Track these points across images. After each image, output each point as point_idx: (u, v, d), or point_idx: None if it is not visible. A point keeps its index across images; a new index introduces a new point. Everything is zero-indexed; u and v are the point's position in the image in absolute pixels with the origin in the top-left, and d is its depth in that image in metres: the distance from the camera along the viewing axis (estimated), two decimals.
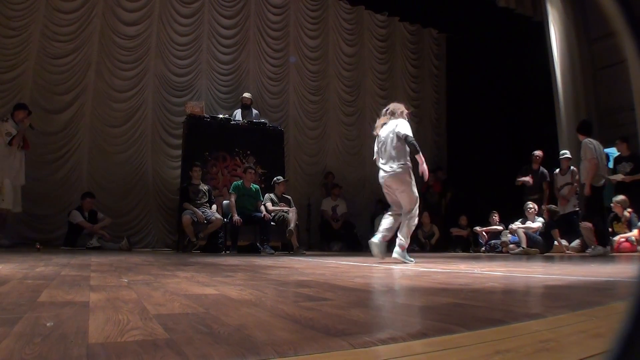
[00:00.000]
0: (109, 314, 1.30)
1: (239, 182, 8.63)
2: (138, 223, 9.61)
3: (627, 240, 8.23)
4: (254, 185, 8.67)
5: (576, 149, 9.26)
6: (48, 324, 1.13)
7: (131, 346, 0.93)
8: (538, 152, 9.64)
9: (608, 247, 7.70)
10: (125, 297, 1.72)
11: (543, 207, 9.03)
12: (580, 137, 7.87)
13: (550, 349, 0.95)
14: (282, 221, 8.45)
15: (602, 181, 7.66)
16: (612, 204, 8.43)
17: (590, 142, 7.63)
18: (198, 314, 1.37)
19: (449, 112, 13.65)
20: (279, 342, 0.99)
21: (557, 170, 9.16)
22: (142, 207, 9.69)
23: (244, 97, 10.10)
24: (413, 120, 13.02)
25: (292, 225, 8.35)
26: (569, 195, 8.90)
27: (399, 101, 5.55)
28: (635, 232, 8.15)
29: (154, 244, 9.59)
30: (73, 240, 8.05)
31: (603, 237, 7.69)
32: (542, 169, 9.51)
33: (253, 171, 8.74)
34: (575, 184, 8.93)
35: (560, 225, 8.82)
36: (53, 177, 8.96)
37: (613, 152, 9.76)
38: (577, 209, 8.74)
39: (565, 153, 9.09)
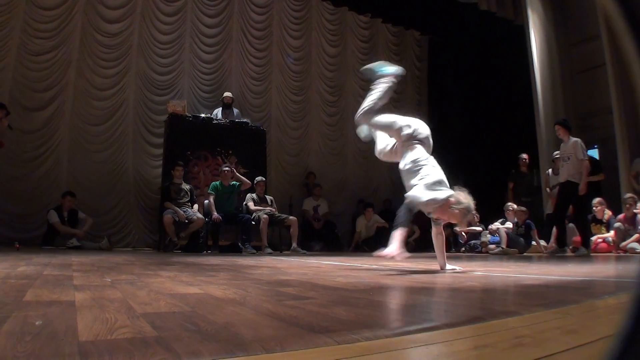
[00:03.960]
0: (96, 313, 1.31)
1: (217, 182, 8.62)
2: (118, 222, 9.54)
3: (604, 240, 8.40)
4: (233, 182, 8.65)
5: (553, 150, 9.42)
6: (37, 323, 1.14)
7: (121, 343, 0.95)
8: (525, 155, 9.78)
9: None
10: (111, 296, 1.73)
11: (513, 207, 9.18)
12: (565, 133, 7.69)
13: (525, 344, 0.99)
14: (259, 221, 8.45)
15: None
16: (593, 207, 8.59)
17: (582, 142, 7.55)
18: (184, 312, 1.39)
19: (431, 114, 13.74)
20: (266, 338, 1.02)
21: (550, 170, 9.25)
22: (123, 206, 9.62)
23: (225, 96, 10.08)
24: None
25: (294, 244, 8.43)
26: None
27: None
28: (612, 233, 8.33)
29: (134, 243, 9.53)
30: (51, 239, 7.98)
31: (588, 238, 7.79)
32: None
33: (228, 170, 8.68)
34: None
35: (545, 225, 9.03)
36: (32, 176, 8.85)
37: (590, 154, 9.95)
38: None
39: (559, 153, 9.20)
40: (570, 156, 7.52)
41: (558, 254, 7.47)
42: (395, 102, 13.14)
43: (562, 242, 7.64)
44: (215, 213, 8.15)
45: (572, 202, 7.62)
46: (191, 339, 1.00)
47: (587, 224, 8.09)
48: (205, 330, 1.10)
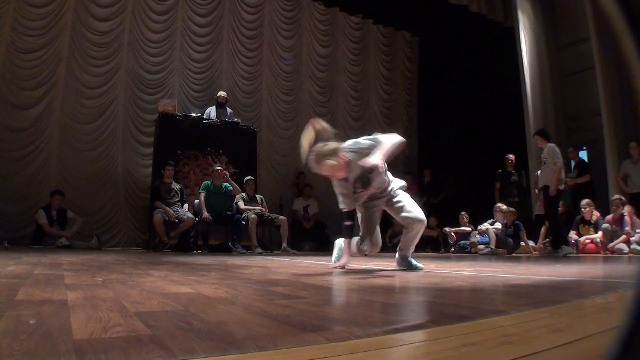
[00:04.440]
0: (89, 312, 1.32)
1: (209, 181, 8.62)
2: (108, 221, 9.50)
3: (592, 241, 8.49)
4: (225, 184, 8.67)
5: (542, 151, 9.55)
6: (31, 322, 1.15)
7: (116, 342, 0.96)
8: (511, 156, 9.87)
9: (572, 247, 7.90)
10: (103, 295, 1.74)
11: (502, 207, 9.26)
12: (543, 141, 7.96)
13: (512, 342, 1.02)
14: (248, 221, 8.44)
15: (562, 185, 7.84)
16: (582, 209, 8.69)
17: (556, 147, 7.76)
18: (177, 311, 1.40)
19: (421, 115, 13.81)
20: (258, 337, 1.03)
21: (539, 171, 9.34)
22: (112, 206, 9.58)
23: (220, 95, 10.04)
24: (385, 122, 13.30)
25: (284, 244, 8.42)
26: None
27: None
28: (600, 234, 8.41)
29: (124, 242, 9.50)
30: (40, 239, 7.93)
31: (564, 237, 7.88)
32: None
33: (220, 170, 8.69)
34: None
35: (537, 224, 9.15)
36: (21, 174, 8.78)
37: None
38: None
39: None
40: (546, 161, 7.75)
41: (553, 254, 7.54)
42: (386, 102, 13.25)
43: (556, 243, 7.71)
44: (206, 212, 8.15)
45: (552, 204, 7.77)
46: (185, 337, 1.02)
47: (561, 224, 8.14)
48: (198, 329, 1.11)
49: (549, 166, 7.67)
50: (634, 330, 0.51)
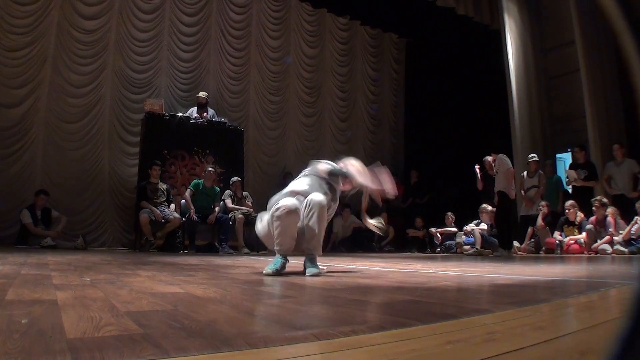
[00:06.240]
0: (80, 312, 1.33)
1: (200, 180, 8.61)
2: (94, 221, 9.43)
3: (576, 242, 8.59)
4: (216, 187, 8.67)
5: (528, 153, 9.71)
6: (23, 321, 1.16)
7: (109, 340, 0.98)
8: (490, 158, 9.97)
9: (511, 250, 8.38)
10: (92, 295, 1.75)
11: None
12: (494, 153, 8.55)
13: (496, 340, 1.05)
14: (235, 221, 8.45)
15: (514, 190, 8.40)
16: (566, 210, 8.82)
17: (504, 156, 8.31)
18: (167, 310, 1.42)
19: (407, 116, 13.88)
20: (249, 335, 1.06)
21: (525, 172, 9.51)
22: (98, 205, 9.51)
23: (200, 96, 9.96)
24: (371, 122, 13.36)
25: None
26: (536, 197, 9.26)
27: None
28: (584, 234, 8.52)
29: (109, 242, 9.43)
30: (25, 238, 7.87)
31: (509, 241, 8.42)
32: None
33: (212, 171, 8.71)
34: (542, 187, 9.31)
35: (522, 225, 9.31)
36: (5, 174, 8.69)
37: (564, 157, 10.20)
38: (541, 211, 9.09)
39: (534, 156, 9.43)
40: (498, 170, 8.32)
41: (496, 254, 8.13)
42: (372, 103, 13.28)
43: (509, 244, 8.33)
44: (193, 209, 8.16)
45: (506, 208, 8.30)
46: (177, 335, 1.03)
47: (512, 228, 8.62)
48: (189, 328, 1.13)
49: (501, 174, 8.21)
50: (634, 330, 0.51)
